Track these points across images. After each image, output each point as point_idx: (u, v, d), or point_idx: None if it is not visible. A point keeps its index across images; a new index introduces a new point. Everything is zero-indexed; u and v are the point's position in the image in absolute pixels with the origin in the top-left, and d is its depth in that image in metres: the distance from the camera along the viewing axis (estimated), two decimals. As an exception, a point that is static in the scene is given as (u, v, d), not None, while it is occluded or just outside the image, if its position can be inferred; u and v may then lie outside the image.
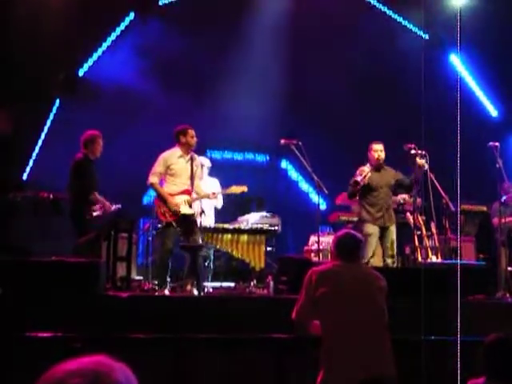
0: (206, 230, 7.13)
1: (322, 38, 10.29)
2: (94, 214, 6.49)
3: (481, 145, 7.73)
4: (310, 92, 10.56)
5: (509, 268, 7.59)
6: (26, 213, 7.83)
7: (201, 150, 7.92)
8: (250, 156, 11.62)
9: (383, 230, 7.09)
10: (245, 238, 7.46)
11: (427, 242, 7.93)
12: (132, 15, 10.10)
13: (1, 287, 4.92)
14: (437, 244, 7.97)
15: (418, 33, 11.08)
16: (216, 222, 7.80)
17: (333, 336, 3.52)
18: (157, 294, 6.32)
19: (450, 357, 4.24)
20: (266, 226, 7.73)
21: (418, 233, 7.71)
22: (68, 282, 5.07)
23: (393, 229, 7.15)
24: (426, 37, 10.97)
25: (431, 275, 5.55)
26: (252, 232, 7.53)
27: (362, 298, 3.60)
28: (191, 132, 6.84)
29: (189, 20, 10.12)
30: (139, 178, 7.48)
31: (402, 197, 7.99)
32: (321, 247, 7.62)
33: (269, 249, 7.77)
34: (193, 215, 6.77)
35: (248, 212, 8.60)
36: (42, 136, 9.65)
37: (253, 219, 8.03)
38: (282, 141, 7.05)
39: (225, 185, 7.71)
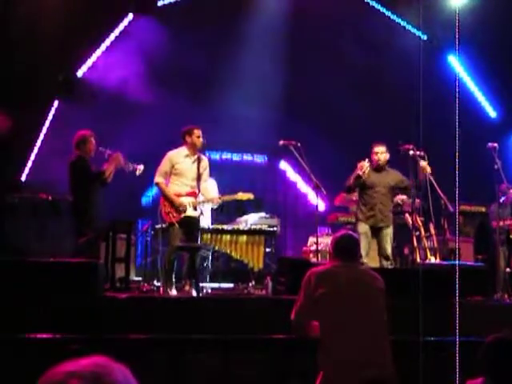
0: (204, 231, 7.13)
1: (320, 38, 10.30)
2: (102, 150, 6.55)
3: (479, 146, 7.73)
4: (308, 93, 10.57)
5: (507, 269, 7.59)
6: (25, 214, 7.82)
7: (200, 151, 7.91)
8: (248, 157, 11.62)
9: (376, 231, 7.07)
10: (243, 238, 7.46)
11: (426, 243, 7.94)
12: (131, 16, 10.10)
13: None
14: (435, 245, 7.97)
15: (417, 33, 11.09)
16: (214, 222, 7.81)
17: (331, 337, 3.52)
18: (162, 294, 6.30)
19: (448, 358, 4.24)
20: (264, 227, 7.73)
21: (417, 233, 7.71)
22: (66, 283, 5.07)
23: (388, 231, 7.11)
24: (425, 37, 11.00)
25: (430, 276, 5.57)
26: (251, 233, 7.53)
27: (360, 299, 3.60)
28: (197, 132, 6.80)
29: (187, 21, 10.12)
30: (137, 178, 7.47)
31: (401, 198, 7.99)
32: (319, 248, 7.62)
33: (267, 249, 7.77)
34: (197, 218, 6.75)
35: (247, 213, 8.60)
36: (41, 137, 9.64)
37: (251, 220, 8.04)
38: (281, 142, 7.05)
39: (224, 186, 7.72)
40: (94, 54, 9.92)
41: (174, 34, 9.81)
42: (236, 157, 11.57)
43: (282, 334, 4.83)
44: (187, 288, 6.57)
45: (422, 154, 6.97)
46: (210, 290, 7.14)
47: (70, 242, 6.61)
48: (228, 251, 7.52)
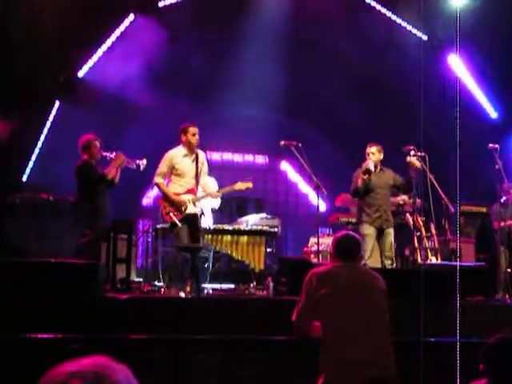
0: (205, 232, 7.13)
1: (321, 39, 10.30)
2: (105, 153, 6.60)
3: (480, 146, 7.73)
4: (309, 93, 10.57)
5: (508, 269, 7.59)
6: (25, 214, 7.82)
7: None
8: (249, 157, 11.63)
9: (381, 232, 7.08)
10: (244, 239, 7.47)
11: (427, 243, 7.94)
12: (132, 17, 10.10)
13: None
14: (436, 245, 7.97)
15: (417, 34, 11.09)
16: (215, 223, 7.80)
17: (333, 337, 3.51)
18: (163, 295, 6.30)
19: (449, 358, 4.24)
20: (265, 228, 7.74)
21: (418, 234, 7.71)
22: (67, 284, 5.07)
23: (391, 231, 7.12)
24: (425, 38, 10.99)
25: (430, 276, 5.56)
26: (252, 233, 7.54)
27: (362, 299, 3.59)
28: (192, 130, 6.75)
29: (188, 22, 10.12)
30: (138, 179, 7.50)
31: (402, 198, 7.99)
32: (320, 248, 7.62)
33: (268, 250, 7.78)
34: (197, 214, 6.75)
35: (248, 213, 8.60)
36: (42, 137, 9.65)
37: (252, 220, 8.04)
38: (282, 142, 7.04)
39: (224, 186, 7.71)
40: (94, 55, 9.92)
41: (175, 35, 9.81)
42: (237, 157, 11.58)
43: (283, 334, 4.83)
44: (188, 289, 6.57)
45: (423, 154, 6.96)
46: (210, 291, 7.14)
47: (70, 242, 6.61)
48: (229, 252, 7.54)
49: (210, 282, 7.64)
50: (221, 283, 8.08)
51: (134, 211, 9.58)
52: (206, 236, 7.15)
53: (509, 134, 10.78)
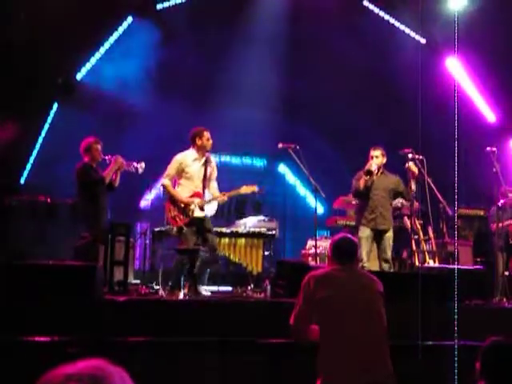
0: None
1: (319, 42, 10.31)
2: (103, 157, 6.62)
3: (478, 149, 7.74)
4: (307, 96, 10.59)
5: (506, 273, 7.59)
6: (23, 216, 7.82)
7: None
8: (247, 160, 11.63)
9: (377, 234, 7.06)
10: (242, 241, 7.47)
11: (424, 247, 7.94)
12: (130, 19, 10.12)
13: None
14: (434, 248, 7.97)
15: (416, 37, 11.12)
16: (213, 225, 7.79)
17: (331, 340, 3.51)
18: (160, 297, 6.29)
19: (447, 362, 4.24)
20: (263, 230, 7.73)
21: (416, 237, 7.71)
22: (65, 286, 5.06)
23: (389, 234, 7.09)
24: (423, 41, 11.02)
25: (428, 279, 5.57)
26: (249, 236, 7.54)
27: (359, 302, 3.59)
28: (207, 134, 6.76)
29: (186, 24, 10.13)
30: (136, 182, 7.49)
31: (400, 201, 7.99)
32: (318, 251, 7.62)
33: (266, 253, 7.77)
34: (204, 218, 6.71)
35: (245, 216, 8.60)
36: (40, 140, 9.65)
37: (250, 223, 8.03)
38: (280, 145, 7.04)
39: (222, 189, 7.70)
40: (93, 57, 9.93)
41: (173, 37, 9.83)
42: (235, 160, 11.58)
43: (281, 337, 4.82)
44: (186, 291, 6.56)
45: (421, 157, 6.97)
46: (208, 293, 7.13)
47: (68, 244, 6.61)
48: (227, 254, 7.53)
49: (208, 284, 7.62)
50: (218, 286, 8.07)
51: (132, 213, 9.56)
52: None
53: (506, 137, 10.81)
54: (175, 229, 6.67)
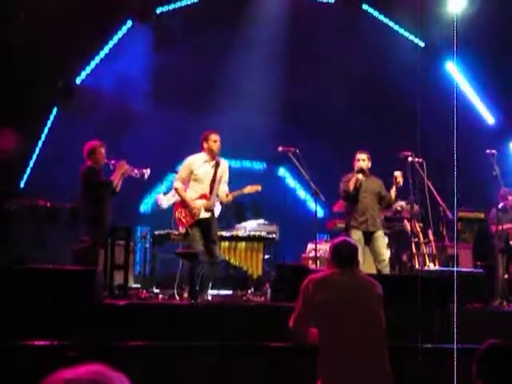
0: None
1: (319, 45, 10.32)
2: (107, 161, 6.62)
3: (478, 152, 7.75)
4: (307, 100, 10.59)
5: (505, 276, 7.59)
6: (23, 221, 7.82)
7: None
8: (247, 163, 11.63)
9: (369, 235, 7.07)
10: (242, 245, 7.47)
11: (424, 250, 7.94)
12: (130, 23, 10.13)
13: None
14: (434, 251, 7.97)
15: (415, 40, 11.13)
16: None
17: (330, 343, 3.51)
18: (160, 301, 6.29)
19: (447, 364, 4.24)
20: (263, 234, 7.73)
21: (416, 240, 7.71)
22: (65, 290, 5.06)
23: (380, 233, 7.11)
24: (423, 44, 11.03)
25: (428, 283, 5.57)
26: (249, 239, 7.54)
27: (359, 305, 3.59)
28: (213, 137, 6.74)
29: (186, 28, 10.15)
30: (136, 186, 7.48)
31: (400, 204, 8.00)
32: (318, 254, 7.62)
33: (266, 256, 7.77)
34: (209, 219, 6.65)
35: (245, 219, 8.59)
36: (40, 144, 9.65)
37: (250, 227, 8.03)
38: (280, 148, 7.05)
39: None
40: (92, 62, 9.94)
41: (173, 41, 9.84)
42: (235, 163, 11.57)
43: (281, 340, 4.82)
44: (186, 295, 6.56)
45: (421, 160, 6.98)
46: (209, 297, 7.12)
47: (68, 248, 6.60)
48: (227, 258, 7.52)
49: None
50: (218, 289, 8.06)
51: (132, 218, 9.56)
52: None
53: (506, 139, 10.82)
54: (181, 229, 6.66)
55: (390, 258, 7.60)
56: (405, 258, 8.25)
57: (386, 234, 7.81)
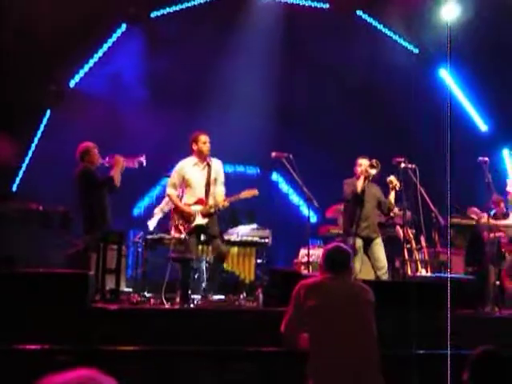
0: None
1: (313, 52, 10.35)
2: (102, 161, 6.60)
3: (470, 159, 7.77)
4: (300, 105, 10.62)
5: (497, 282, 7.60)
6: (15, 224, 7.77)
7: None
8: (240, 168, 11.62)
9: (368, 242, 7.08)
10: (235, 250, 7.45)
11: (417, 256, 7.95)
12: (124, 27, 10.12)
13: None
14: (426, 257, 7.98)
15: (408, 47, 11.18)
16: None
17: (321, 349, 3.51)
18: (152, 306, 6.27)
19: (440, 370, 4.23)
20: (256, 239, 7.72)
21: (408, 246, 7.72)
22: (56, 294, 5.03)
23: (379, 240, 7.14)
24: (416, 51, 11.08)
25: (421, 289, 5.57)
26: (242, 244, 7.53)
27: (350, 311, 3.59)
28: (202, 138, 6.62)
29: (181, 32, 10.15)
30: (129, 189, 7.45)
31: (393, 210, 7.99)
32: (311, 260, 7.61)
33: (259, 261, 7.75)
34: (206, 225, 6.58)
35: (238, 224, 8.58)
36: (32, 147, 9.62)
37: (243, 231, 8.01)
38: (273, 154, 7.04)
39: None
40: (86, 65, 9.93)
41: (167, 45, 9.83)
42: (228, 168, 11.56)
43: (273, 345, 4.81)
44: (178, 299, 6.54)
45: (413, 166, 6.99)
46: (200, 302, 7.09)
47: (60, 252, 6.57)
48: (219, 262, 7.49)
49: (201, 292, 7.58)
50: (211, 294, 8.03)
51: (125, 221, 9.53)
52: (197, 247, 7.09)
53: (498, 147, 10.87)
54: (177, 235, 6.60)
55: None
56: (397, 264, 8.26)
57: (379, 240, 7.81)
